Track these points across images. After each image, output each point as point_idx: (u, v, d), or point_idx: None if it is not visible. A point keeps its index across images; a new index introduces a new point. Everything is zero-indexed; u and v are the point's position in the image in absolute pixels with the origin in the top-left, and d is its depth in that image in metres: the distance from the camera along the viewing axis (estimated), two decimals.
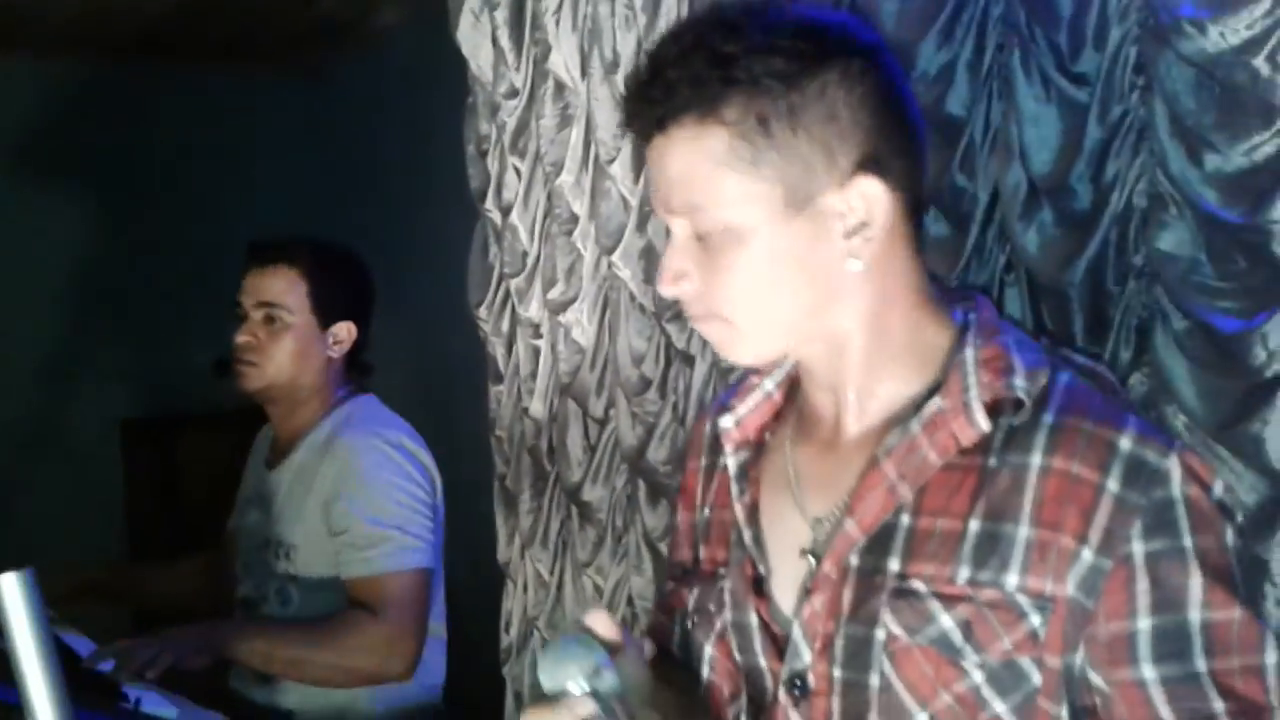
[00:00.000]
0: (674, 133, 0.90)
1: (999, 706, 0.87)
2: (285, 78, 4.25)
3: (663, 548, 2.33)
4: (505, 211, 2.62)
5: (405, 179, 3.70)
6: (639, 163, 2.24)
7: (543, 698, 0.87)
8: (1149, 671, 0.84)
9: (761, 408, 1.04)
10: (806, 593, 0.94)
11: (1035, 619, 0.86)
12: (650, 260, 2.25)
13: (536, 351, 2.63)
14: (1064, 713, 0.87)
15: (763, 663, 0.97)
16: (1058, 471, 0.87)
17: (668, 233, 0.95)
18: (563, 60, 2.39)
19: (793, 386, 1.03)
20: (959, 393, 0.90)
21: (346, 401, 1.99)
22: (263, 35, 3.94)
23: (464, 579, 2.04)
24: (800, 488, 0.98)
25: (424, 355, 3.56)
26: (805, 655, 0.93)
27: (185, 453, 4.19)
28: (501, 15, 2.53)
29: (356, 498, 1.83)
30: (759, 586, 0.98)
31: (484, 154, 2.69)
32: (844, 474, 0.95)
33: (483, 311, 2.76)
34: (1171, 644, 0.84)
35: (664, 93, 0.89)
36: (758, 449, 1.03)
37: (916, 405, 0.92)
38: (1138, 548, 0.84)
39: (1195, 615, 0.84)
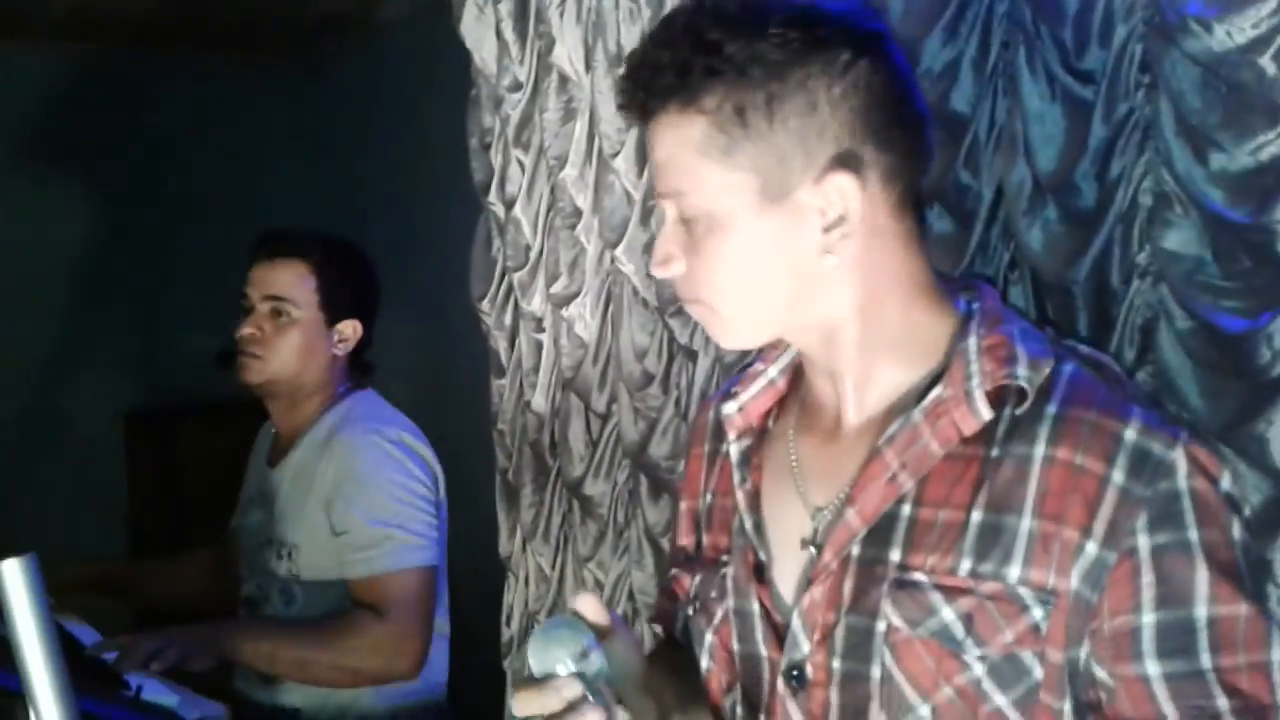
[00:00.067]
0: (660, 118, 0.91)
1: (1000, 700, 0.86)
2: (288, 70, 4.25)
3: (664, 543, 2.33)
4: (508, 205, 2.62)
5: (408, 172, 3.70)
6: (643, 156, 2.24)
7: (532, 679, 0.88)
8: (1153, 667, 0.84)
9: (765, 394, 1.03)
10: (807, 583, 0.93)
11: (1037, 612, 0.85)
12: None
13: (539, 345, 2.63)
14: (1066, 707, 0.87)
15: (762, 651, 0.97)
16: (1061, 462, 0.86)
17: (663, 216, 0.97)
18: (567, 53, 2.39)
19: (797, 374, 1.03)
20: (961, 380, 0.90)
21: (346, 397, 1.98)
22: (265, 27, 3.94)
23: (465, 573, 2.04)
24: (802, 476, 0.98)
25: (426, 348, 3.56)
26: (804, 645, 0.93)
27: (187, 445, 4.19)
28: (505, 8, 2.53)
29: (356, 497, 1.82)
30: (761, 574, 0.98)
31: (487, 147, 2.69)
32: (846, 463, 0.94)
33: (485, 305, 2.76)
34: (1176, 640, 0.84)
35: (650, 78, 0.90)
36: (760, 436, 1.03)
37: (919, 394, 0.92)
38: (1143, 540, 0.84)
39: (1201, 611, 0.83)
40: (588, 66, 2.37)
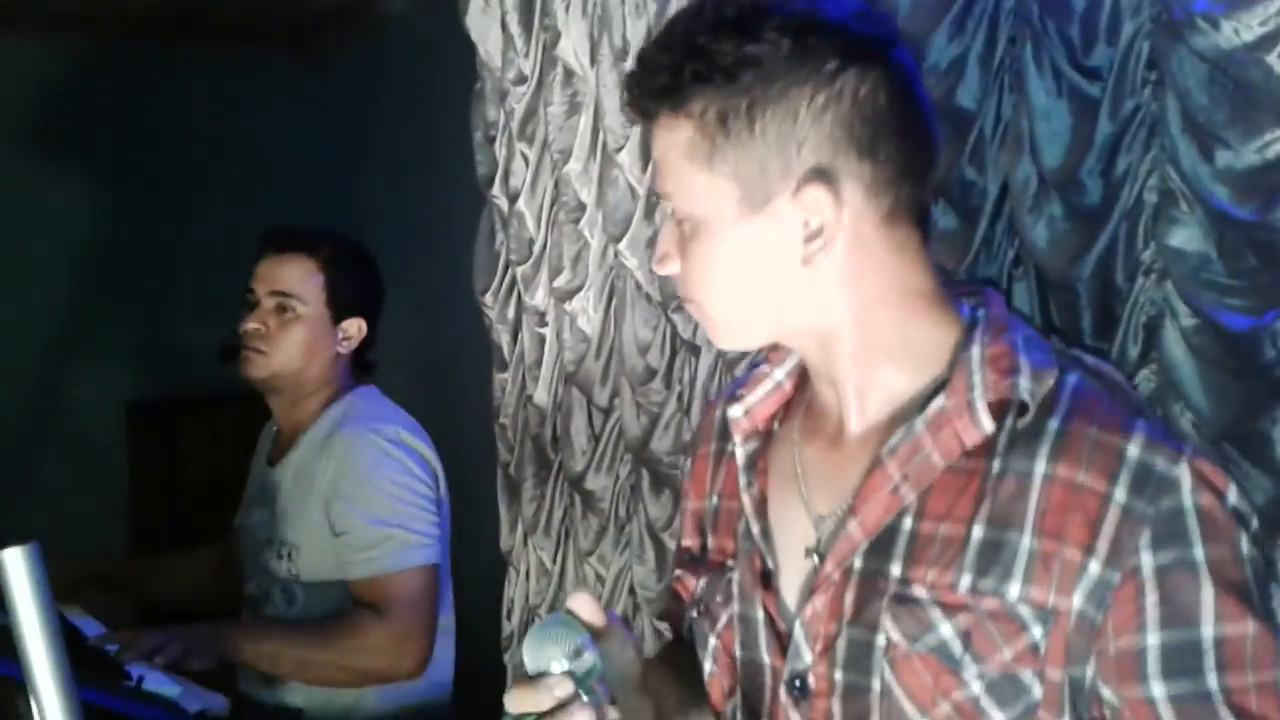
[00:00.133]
0: (657, 120, 0.91)
1: (999, 717, 0.85)
2: (292, 63, 4.25)
3: (665, 538, 2.33)
4: (512, 198, 2.62)
5: (412, 165, 3.70)
6: (647, 151, 2.24)
7: (525, 677, 0.88)
8: (1158, 689, 0.82)
9: (771, 397, 1.03)
10: (809, 592, 0.93)
11: (1036, 631, 0.84)
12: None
13: (542, 339, 2.63)
14: None
15: (765, 659, 0.96)
16: (1062, 480, 0.85)
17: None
18: (572, 47, 2.39)
19: (803, 376, 1.02)
20: (963, 391, 0.89)
21: (347, 393, 1.97)
22: (270, 19, 3.93)
23: (466, 567, 2.03)
24: (806, 483, 0.97)
25: (428, 342, 3.56)
26: (806, 656, 0.92)
27: (189, 438, 4.20)
28: (511, 1, 2.52)
29: (355, 497, 1.81)
30: (767, 580, 0.97)
31: (491, 140, 2.69)
32: (848, 471, 0.94)
33: (488, 298, 2.76)
34: (1182, 660, 0.82)
35: (647, 80, 0.91)
36: (766, 439, 1.02)
37: (921, 403, 0.91)
38: (1146, 559, 0.82)
39: (1207, 630, 0.82)
40: (593, 60, 2.36)
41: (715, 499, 1.07)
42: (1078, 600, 0.84)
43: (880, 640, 0.88)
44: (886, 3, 1.70)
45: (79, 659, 0.85)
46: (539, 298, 2.60)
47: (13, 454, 3.79)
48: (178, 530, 3.10)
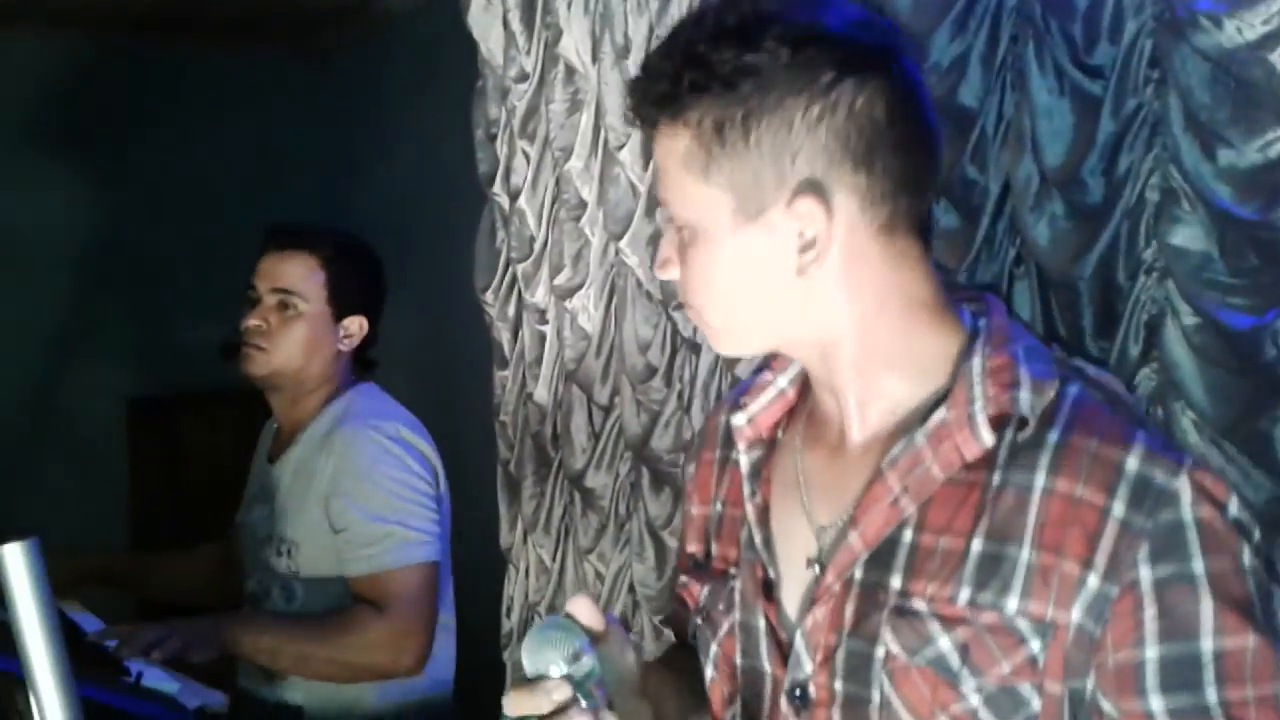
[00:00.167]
0: (657, 127, 0.92)
1: None
2: (294, 60, 4.24)
3: (665, 535, 2.33)
4: (513, 196, 2.62)
5: (413, 162, 3.70)
6: (648, 149, 2.23)
7: (524, 680, 0.88)
8: (1157, 703, 0.82)
9: (774, 405, 1.03)
10: (810, 602, 0.93)
11: (1035, 644, 0.84)
12: (658, 247, 2.24)
13: (542, 337, 2.63)
14: None
15: (766, 667, 0.96)
16: (1060, 494, 0.85)
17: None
18: (573, 44, 2.39)
19: (806, 384, 1.02)
20: (964, 404, 0.88)
21: (347, 390, 1.96)
22: (271, 17, 3.93)
23: (465, 564, 2.03)
24: (807, 492, 0.97)
25: (429, 339, 3.56)
26: (807, 666, 0.92)
27: (190, 434, 4.20)
28: None
29: (355, 494, 1.80)
30: (769, 590, 0.97)
31: (493, 138, 2.69)
32: (849, 481, 0.94)
33: (489, 296, 2.76)
34: (1181, 674, 0.82)
35: (648, 87, 0.91)
36: (770, 447, 1.02)
37: (923, 414, 0.91)
38: (1145, 573, 0.82)
39: (1206, 644, 0.81)
40: (594, 58, 2.36)
41: (719, 506, 1.07)
42: (1076, 614, 0.83)
43: (880, 652, 0.88)
44: (888, 1, 1.70)
45: (78, 655, 0.85)
46: (540, 295, 2.60)
47: (14, 450, 3.79)
48: (178, 527, 3.10)
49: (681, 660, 1.10)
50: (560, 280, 2.50)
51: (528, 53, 2.52)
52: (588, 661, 0.88)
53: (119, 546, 3.82)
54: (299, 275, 1.91)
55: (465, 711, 2.04)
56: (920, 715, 0.87)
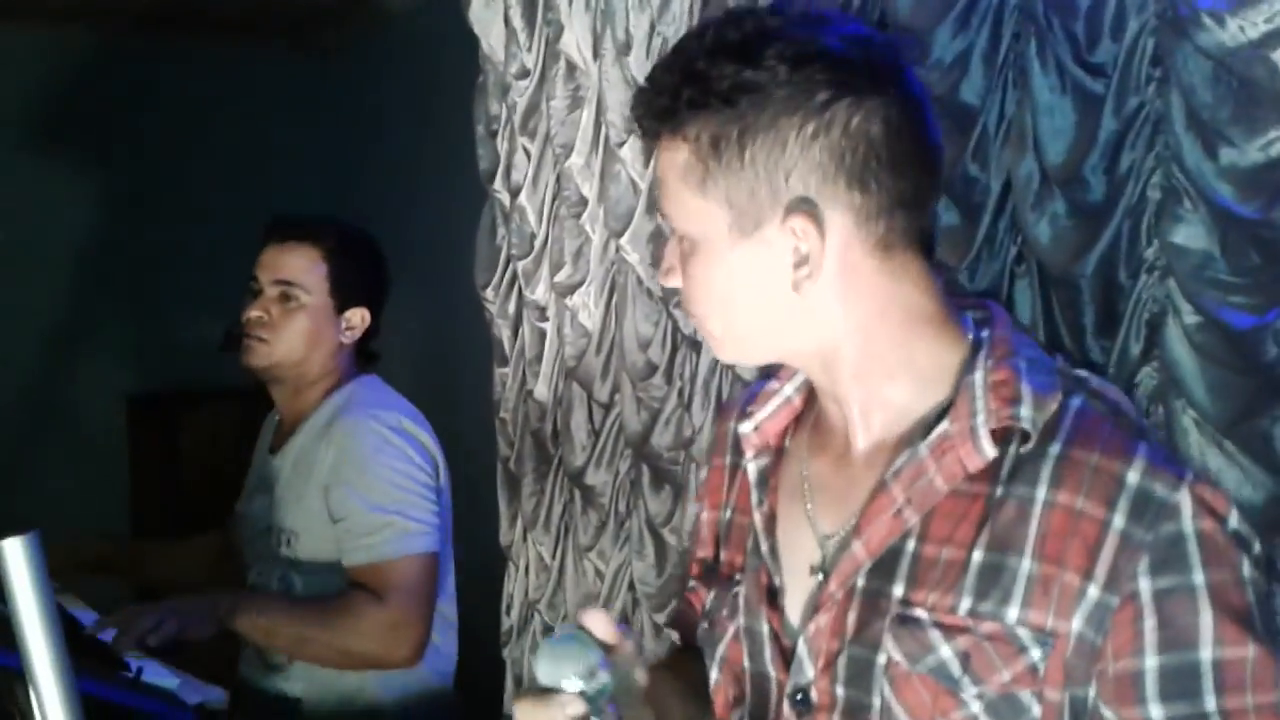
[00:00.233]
0: (658, 139, 0.93)
1: None
2: (294, 56, 4.24)
3: (665, 533, 2.33)
4: (514, 193, 2.61)
5: (414, 158, 3.69)
6: (649, 146, 2.23)
7: (536, 689, 0.89)
8: (1156, 711, 0.83)
9: (781, 413, 1.04)
10: (814, 609, 0.94)
11: (1035, 653, 0.85)
12: (659, 245, 2.24)
13: (542, 334, 2.63)
14: None
15: (771, 672, 0.98)
16: (1062, 506, 0.86)
17: None
18: (575, 41, 2.38)
19: (812, 393, 1.03)
20: (967, 417, 0.89)
21: (349, 382, 1.96)
22: (272, 13, 3.93)
23: (465, 561, 2.03)
24: (812, 500, 0.99)
25: (430, 336, 3.56)
26: (809, 671, 0.94)
27: (189, 431, 4.19)
28: None
29: (355, 484, 1.80)
30: (773, 597, 0.98)
31: (493, 135, 2.69)
32: (854, 491, 0.95)
33: (489, 293, 2.76)
34: (1180, 683, 0.83)
35: (650, 100, 0.92)
36: (778, 454, 1.03)
37: (926, 425, 0.92)
38: (1144, 584, 0.83)
39: (1206, 654, 0.82)
40: (595, 54, 2.36)
41: (729, 512, 1.08)
42: (1077, 623, 0.84)
43: (881, 659, 0.89)
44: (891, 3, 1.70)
45: (77, 649, 0.84)
46: (540, 293, 2.60)
47: (14, 448, 3.79)
48: (177, 524, 3.10)
49: (685, 663, 1.11)
50: (561, 277, 2.50)
51: (529, 49, 2.51)
52: (603, 677, 0.89)
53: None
54: (301, 267, 1.91)
55: (464, 708, 2.04)
56: None
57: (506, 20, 2.55)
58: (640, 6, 2.21)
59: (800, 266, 0.90)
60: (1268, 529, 1.36)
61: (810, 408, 1.03)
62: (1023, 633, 0.85)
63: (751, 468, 1.03)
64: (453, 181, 3.06)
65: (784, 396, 1.04)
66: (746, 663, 1.00)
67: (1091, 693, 0.85)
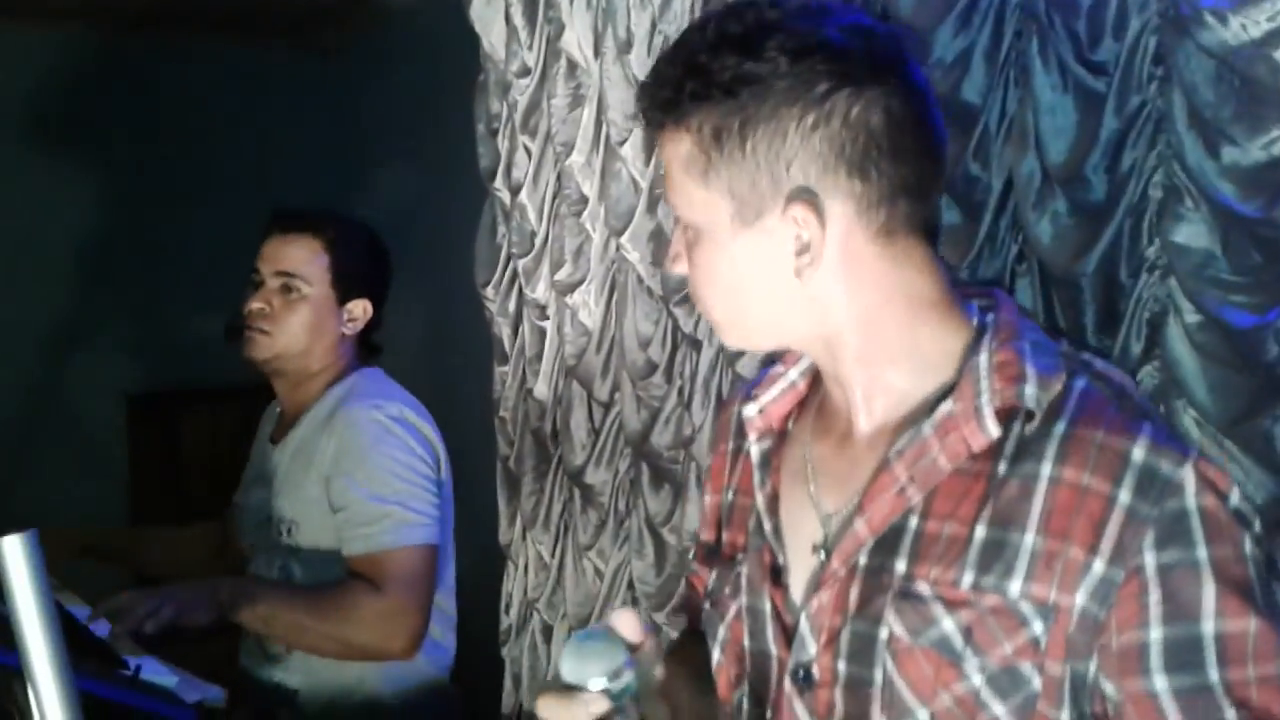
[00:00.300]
0: (662, 130, 0.95)
1: (998, 708, 0.87)
2: (297, 53, 4.24)
3: (664, 533, 2.33)
4: (514, 191, 2.61)
5: (414, 157, 3.69)
6: (650, 144, 2.23)
7: (560, 686, 0.89)
8: (1160, 682, 0.84)
9: (785, 396, 1.05)
10: (815, 586, 0.95)
11: (1037, 626, 0.86)
12: (659, 243, 2.24)
13: (543, 333, 2.62)
14: (1065, 716, 0.87)
15: (772, 650, 0.99)
16: (1068, 483, 0.87)
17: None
18: (576, 39, 2.38)
19: (816, 377, 1.05)
20: (971, 397, 0.91)
21: (351, 374, 1.96)
22: (272, 11, 3.93)
23: (464, 560, 2.03)
24: (815, 481, 1.00)
25: (430, 334, 3.56)
26: (811, 648, 0.95)
27: (190, 429, 4.19)
28: None
29: (356, 473, 1.80)
30: (776, 575, 0.99)
31: (494, 133, 2.68)
32: (857, 471, 0.96)
33: (489, 291, 2.76)
34: (1184, 655, 0.84)
35: (653, 92, 0.94)
36: (780, 437, 1.05)
37: (929, 406, 0.93)
38: (1149, 559, 0.84)
39: (1209, 626, 0.84)
40: (596, 53, 2.36)
41: (731, 494, 1.10)
42: (1080, 597, 0.85)
43: (883, 633, 0.90)
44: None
45: (76, 648, 0.84)
46: (540, 291, 2.59)
47: (14, 446, 3.79)
48: (177, 521, 3.10)
49: (690, 649, 1.12)
50: (561, 276, 2.50)
51: (529, 47, 2.51)
52: (628, 677, 0.89)
53: None
54: (302, 258, 1.91)
55: (462, 701, 2.04)
56: (922, 695, 0.89)
57: (507, 18, 2.55)
58: (641, 4, 2.21)
59: (802, 254, 0.91)
60: (1268, 529, 1.36)
61: (814, 393, 1.05)
62: (1025, 606, 0.86)
63: (755, 450, 1.04)
64: (453, 180, 3.06)
65: (789, 380, 1.06)
66: (747, 641, 1.01)
67: (1092, 667, 0.86)
